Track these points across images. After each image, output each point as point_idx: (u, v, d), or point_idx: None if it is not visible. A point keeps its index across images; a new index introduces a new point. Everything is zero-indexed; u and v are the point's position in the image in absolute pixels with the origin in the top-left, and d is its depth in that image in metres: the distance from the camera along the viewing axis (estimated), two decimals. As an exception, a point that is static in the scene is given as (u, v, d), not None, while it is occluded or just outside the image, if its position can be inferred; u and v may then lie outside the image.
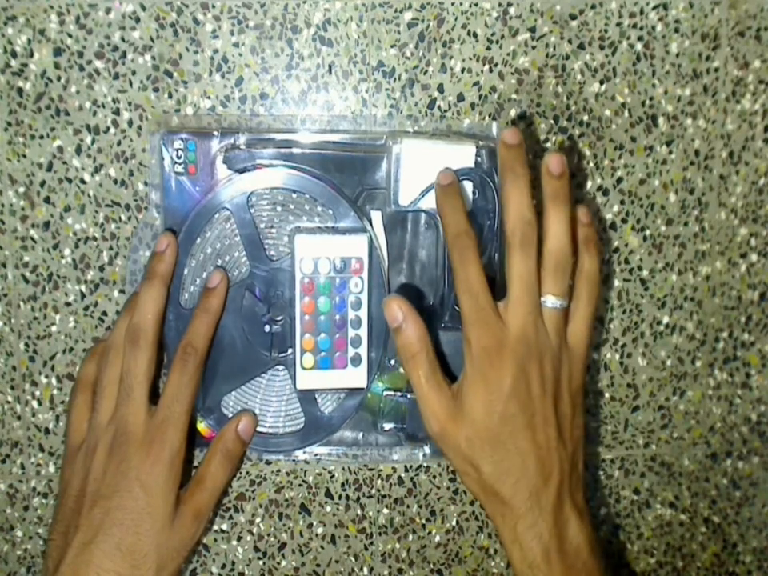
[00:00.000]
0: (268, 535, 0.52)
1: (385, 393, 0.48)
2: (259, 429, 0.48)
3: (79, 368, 0.47)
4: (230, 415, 0.47)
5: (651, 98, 0.50)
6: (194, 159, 0.45)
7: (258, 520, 0.51)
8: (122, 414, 0.43)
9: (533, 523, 0.40)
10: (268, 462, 0.50)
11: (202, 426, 0.47)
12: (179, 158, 0.45)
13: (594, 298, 0.44)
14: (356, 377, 0.47)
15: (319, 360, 0.46)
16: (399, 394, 0.48)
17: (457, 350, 0.43)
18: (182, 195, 0.45)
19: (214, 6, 0.47)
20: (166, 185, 0.45)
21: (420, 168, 0.45)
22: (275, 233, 0.46)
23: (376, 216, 0.46)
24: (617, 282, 0.52)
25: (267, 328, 0.47)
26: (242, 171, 0.45)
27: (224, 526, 0.51)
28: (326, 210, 0.46)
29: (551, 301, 0.42)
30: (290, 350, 0.47)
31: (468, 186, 0.45)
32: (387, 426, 0.48)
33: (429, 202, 0.45)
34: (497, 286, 0.43)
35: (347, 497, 0.52)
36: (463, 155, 0.45)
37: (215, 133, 0.45)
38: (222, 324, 0.46)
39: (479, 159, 0.45)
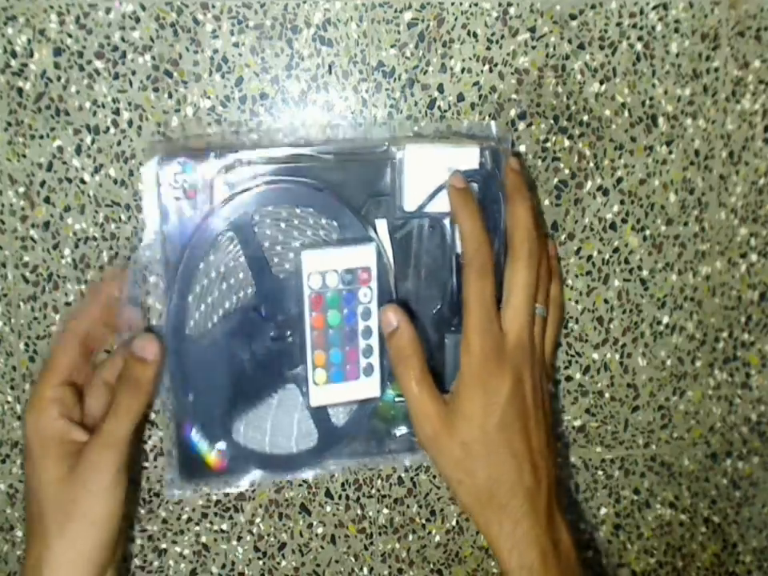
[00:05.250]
0: (268, 535, 0.52)
1: (396, 399, 0.47)
2: (273, 451, 0.46)
3: None
4: (242, 441, 0.46)
5: (651, 98, 0.50)
6: (192, 182, 0.43)
7: (257, 520, 0.51)
8: None
9: (530, 527, 0.41)
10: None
11: (211, 457, 0.46)
12: (176, 182, 0.43)
13: (559, 319, 0.49)
14: (369, 386, 0.46)
15: (331, 374, 0.45)
16: None
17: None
18: (181, 220, 0.43)
19: (214, 6, 0.47)
20: (163, 211, 0.43)
21: (424, 172, 0.44)
22: (280, 249, 0.45)
23: (381, 224, 0.45)
24: (617, 282, 0.52)
25: (275, 346, 0.45)
26: (242, 190, 0.43)
27: (224, 526, 0.51)
28: (331, 221, 0.45)
29: (538, 309, 0.45)
30: (299, 367, 0.45)
31: (473, 187, 0.45)
32: (399, 432, 0.48)
33: (434, 206, 0.45)
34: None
35: (347, 497, 0.52)
36: (467, 157, 0.44)
37: (212, 153, 0.43)
38: (230, 351, 0.44)
39: (483, 160, 0.45)
